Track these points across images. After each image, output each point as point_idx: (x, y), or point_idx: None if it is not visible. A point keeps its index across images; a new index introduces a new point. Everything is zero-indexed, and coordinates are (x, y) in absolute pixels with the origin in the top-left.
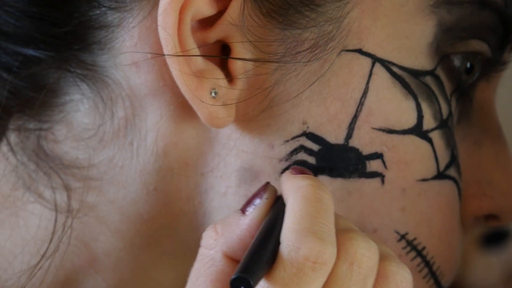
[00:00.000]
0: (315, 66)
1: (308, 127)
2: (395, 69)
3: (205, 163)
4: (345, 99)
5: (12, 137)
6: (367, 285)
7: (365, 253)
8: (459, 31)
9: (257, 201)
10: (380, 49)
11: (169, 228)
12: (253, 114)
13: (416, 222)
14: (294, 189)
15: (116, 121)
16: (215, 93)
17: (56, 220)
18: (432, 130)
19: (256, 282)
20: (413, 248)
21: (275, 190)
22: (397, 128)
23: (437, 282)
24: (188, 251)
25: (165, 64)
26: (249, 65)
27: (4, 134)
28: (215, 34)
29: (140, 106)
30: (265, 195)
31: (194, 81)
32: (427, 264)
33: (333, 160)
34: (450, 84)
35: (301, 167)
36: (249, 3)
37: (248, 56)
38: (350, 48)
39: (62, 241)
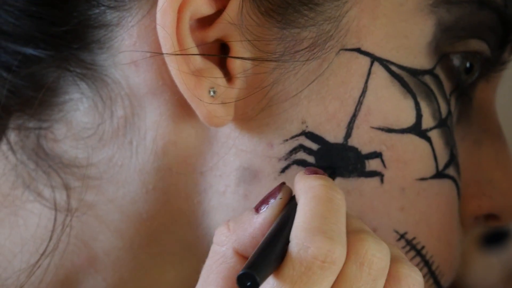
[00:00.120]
0: (313, 65)
1: (307, 126)
2: (394, 68)
3: (204, 162)
4: (344, 98)
5: (12, 136)
6: (377, 286)
7: (376, 254)
8: (458, 30)
9: (271, 201)
10: (379, 48)
11: (169, 227)
12: (252, 113)
13: (415, 222)
14: (306, 189)
15: (116, 120)
16: (214, 92)
17: (55, 219)
18: (431, 129)
19: (263, 279)
20: (412, 248)
21: (289, 191)
22: (396, 127)
23: (436, 281)
24: (187, 250)
25: (164, 63)
26: (248, 64)
27: (3, 133)
28: (213, 33)
29: (139, 105)
30: (279, 195)
31: (192, 80)
32: (426, 263)
33: (332, 159)
34: (450, 84)
35: (314, 168)
36: (248, 2)
37: (246, 55)
38: (349, 47)
39: (61, 240)
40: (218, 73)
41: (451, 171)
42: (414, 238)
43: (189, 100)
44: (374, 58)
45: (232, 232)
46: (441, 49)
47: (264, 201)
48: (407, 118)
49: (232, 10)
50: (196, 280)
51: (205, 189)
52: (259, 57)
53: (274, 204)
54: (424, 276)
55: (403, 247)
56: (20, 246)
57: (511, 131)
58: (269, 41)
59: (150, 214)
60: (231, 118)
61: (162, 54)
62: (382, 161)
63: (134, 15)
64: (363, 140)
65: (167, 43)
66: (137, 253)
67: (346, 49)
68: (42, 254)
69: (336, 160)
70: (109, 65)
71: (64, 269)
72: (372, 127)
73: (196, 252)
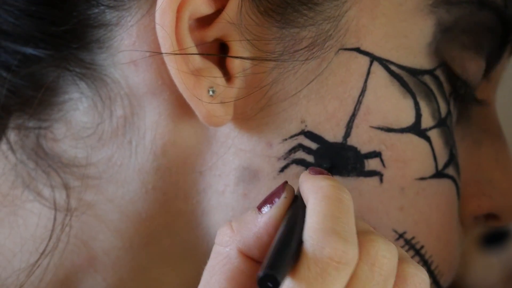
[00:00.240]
0: (313, 65)
1: (306, 126)
2: (393, 67)
3: (203, 161)
4: (343, 98)
5: (12, 135)
6: (387, 286)
7: (386, 255)
8: (458, 31)
9: (276, 200)
10: (378, 48)
11: (168, 227)
12: (251, 113)
13: (415, 221)
14: (315, 189)
15: (115, 119)
16: (213, 91)
17: (55, 219)
18: (431, 128)
19: (282, 280)
20: (411, 247)
21: (293, 190)
22: (395, 127)
23: (435, 281)
24: (187, 250)
25: (163, 63)
26: (247, 63)
27: (3, 132)
28: (213, 32)
29: (138, 105)
30: (284, 194)
31: (192, 80)
32: (426, 263)
33: (332, 158)
34: (449, 85)
35: (318, 168)
36: (247, 2)
37: (246, 54)
38: (348, 46)
39: (61, 240)
40: (217, 72)
41: (450, 170)
42: (413, 238)
43: (188, 100)
44: (373, 58)
45: (236, 232)
46: (441, 55)
47: (267, 200)
48: (407, 117)
49: (231, 9)
50: (196, 281)
51: (205, 189)
52: (258, 57)
53: (279, 204)
54: None
55: (402, 247)
56: (20, 245)
57: (511, 131)
58: (268, 41)
59: (149, 213)
60: (230, 118)
61: (161, 53)
62: (382, 160)
63: (134, 14)
64: (362, 140)
65: (166, 42)
66: (137, 253)
67: (346, 49)
68: (41, 254)
69: (335, 159)
70: (108, 65)
71: (64, 268)
72: (372, 127)
73: (196, 251)
